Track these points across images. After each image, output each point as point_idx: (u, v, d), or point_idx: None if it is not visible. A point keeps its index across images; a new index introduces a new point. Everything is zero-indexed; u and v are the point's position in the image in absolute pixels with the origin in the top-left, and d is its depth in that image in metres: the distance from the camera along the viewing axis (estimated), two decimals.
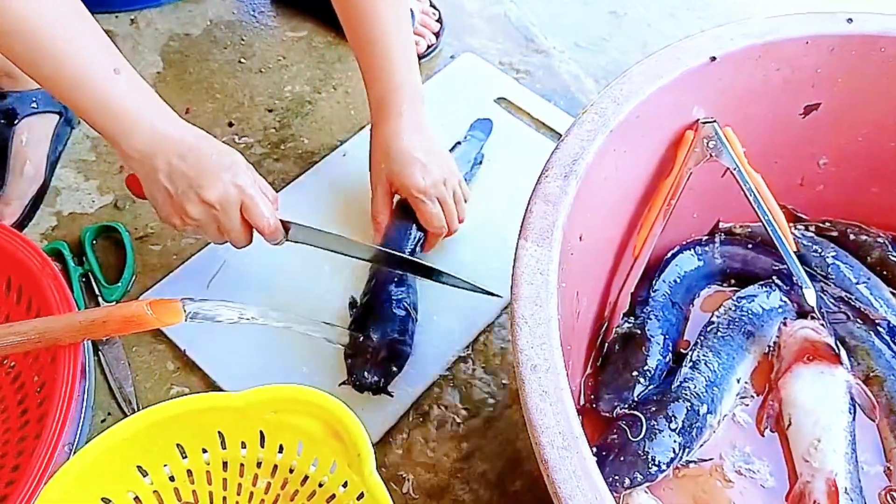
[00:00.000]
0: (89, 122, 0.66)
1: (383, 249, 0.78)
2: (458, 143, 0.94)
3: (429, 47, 1.07)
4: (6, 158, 0.90)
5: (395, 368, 0.74)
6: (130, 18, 1.09)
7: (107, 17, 1.09)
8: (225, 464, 0.65)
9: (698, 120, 0.68)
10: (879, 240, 0.78)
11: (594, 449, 0.49)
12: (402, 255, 0.78)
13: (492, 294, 0.77)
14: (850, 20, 0.66)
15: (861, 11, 0.68)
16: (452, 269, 0.80)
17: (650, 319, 0.72)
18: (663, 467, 0.63)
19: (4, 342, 0.64)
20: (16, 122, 0.90)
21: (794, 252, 0.70)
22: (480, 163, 0.93)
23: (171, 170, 0.67)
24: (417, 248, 0.83)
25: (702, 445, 0.67)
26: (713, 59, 0.64)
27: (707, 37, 0.65)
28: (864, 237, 0.79)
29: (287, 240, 0.76)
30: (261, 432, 0.62)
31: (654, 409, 0.66)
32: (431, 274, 0.77)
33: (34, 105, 0.91)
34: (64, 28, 0.62)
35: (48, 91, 0.66)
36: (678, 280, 0.76)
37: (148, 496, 0.62)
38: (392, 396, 0.74)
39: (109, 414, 0.76)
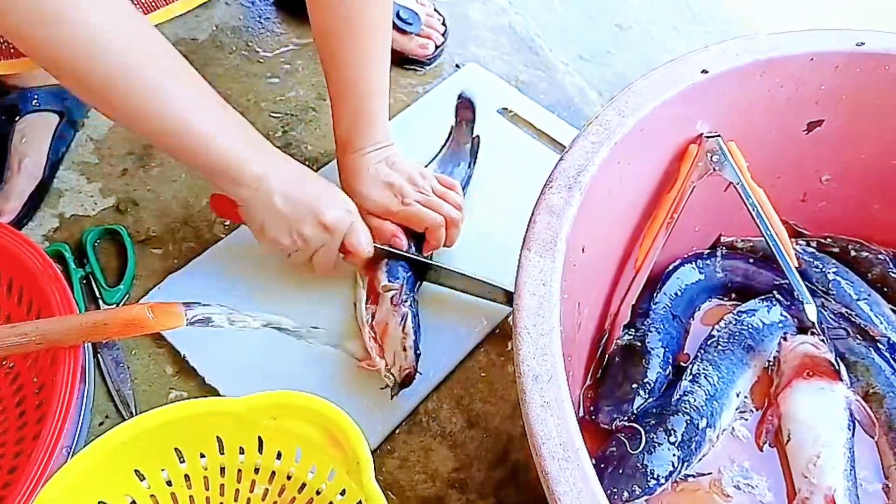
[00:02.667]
0: (201, 159, 0.68)
1: (491, 283, 0.79)
2: (451, 132, 0.95)
3: (437, 47, 1.08)
4: (5, 156, 0.90)
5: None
6: None
7: None
8: (222, 469, 0.64)
9: (702, 134, 0.68)
10: (880, 256, 0.78)
11: (593, 461, 0.49)
12: (504, 289, 0.79)
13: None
14: (860, 43, 0.66)
15: (865, 30, 0.68)
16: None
17: (651, 332, 0.72)
18: (662, 481, 0.63)
19: (5, 343, 0.64)
20: (16, 118, 0.90)
21: (796, 267, 0.70)
22: (478, 147, 0.95)
23: (286, 193, 0.71)
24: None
25: (700, 459, 0.67)
26: (704, 72, 0.64)
27: (712, 52, 0.66)
28: (865, 254, 0.79)
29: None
30: (259, 438, 0.62)
31: (653, 422, 0.66)
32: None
33: (35, 102, 0.91)
34: (159, 64, 0.63)
35: (153, 140, 0.68)
36: (679, 293, 0.76)
37: (145, 500, 0.62)
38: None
39: (107, 417, 0.75)
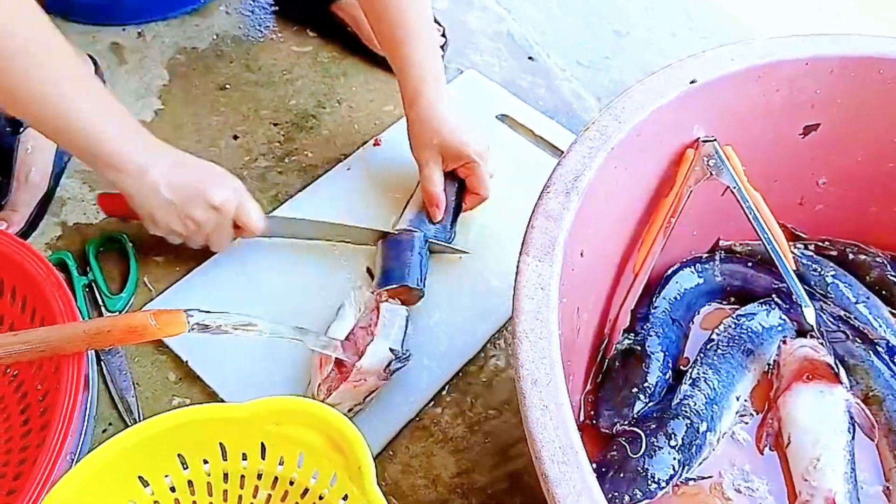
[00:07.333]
0: (80, 148, 0.70)
1: (359, 227, 0.86)
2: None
3: None
4: (11, 167, 0.90)
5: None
6: (138, 31, 1.10)
7: (114, 30, 1.10)
8: (226, 475, 0.65)
9: (699, 139, 0.68)
10: (878, 259, 0.79)
11: (593, 465, 0.49)
12: (380, 230, 0.85)
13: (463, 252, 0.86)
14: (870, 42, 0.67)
15: (860, 33, 0.68)
16: (455, 285, 0.81)
17: (650, 336, 0.72)
18: (662, 484, 0.63)
19: (9, 351, 0.64)
20: (21, 130, 0.91)
21: (794, 271, 0.70)
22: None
23: (171, 181, 0.73)
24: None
25: (701, 463, 0.67)
26: (693, 82, 0.64)
27: (708, 57, 0.66)
28: (862, 256, 0.79)
29: (265, 235, 0.83)
30: (262, 444, 0.63)
31: (653, 426, 0.66)
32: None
33: None
34: (47, 57, 0.65)
35: (34, 126, 0.70)
36: (678, 297, 0.77)
37: None
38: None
39: (111, 424, 0.76)
